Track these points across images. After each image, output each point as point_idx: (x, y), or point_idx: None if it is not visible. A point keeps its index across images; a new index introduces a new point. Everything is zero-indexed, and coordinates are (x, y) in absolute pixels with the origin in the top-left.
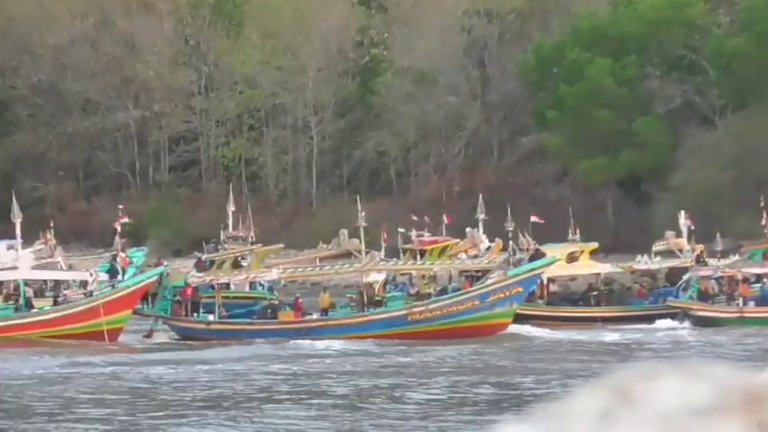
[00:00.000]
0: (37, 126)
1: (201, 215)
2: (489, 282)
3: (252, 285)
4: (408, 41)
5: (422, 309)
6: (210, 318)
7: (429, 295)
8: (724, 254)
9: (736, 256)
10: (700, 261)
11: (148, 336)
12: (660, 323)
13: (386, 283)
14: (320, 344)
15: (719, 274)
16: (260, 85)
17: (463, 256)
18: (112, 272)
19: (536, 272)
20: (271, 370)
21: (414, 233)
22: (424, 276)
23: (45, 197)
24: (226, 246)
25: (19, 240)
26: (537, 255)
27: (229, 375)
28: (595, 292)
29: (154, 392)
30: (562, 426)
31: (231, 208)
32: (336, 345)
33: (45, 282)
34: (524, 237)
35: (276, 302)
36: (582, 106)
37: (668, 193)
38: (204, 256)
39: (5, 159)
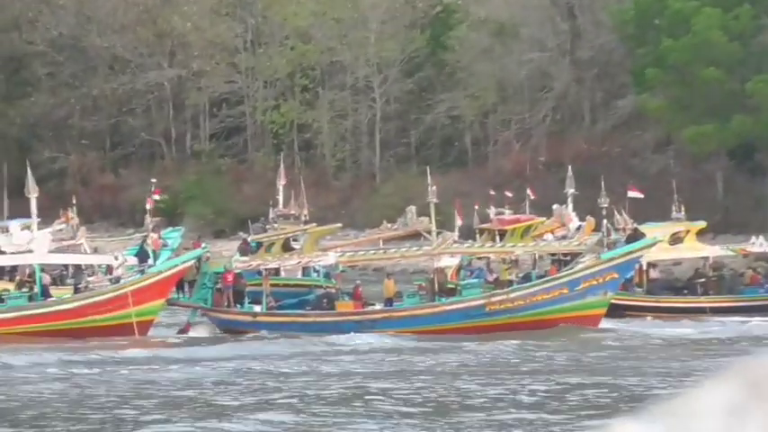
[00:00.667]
0: (57, 87)
1: (247, 190)
2: (580, 267)
3: (305, 271)
4: None
5: (501, 298)
6: (257, 309)
7: (510, 282)
8: None
9: None
10: None
11: (185, 330)
12: None
13: (460, 268)
14: (384, 338)
15: None
16: (315, 40)
17: (549, 236)
18: (143, 255)
19: (634, 255)
20: (327, 369)
21: (492, 210)
22: (504, 260)
23: (66, 169)
24: (275, 225)
25: (35, 219)
26: (635, 235)
27: (279, 375)
28: (702, 279)
29: (193, 394)
30: (687, 424)
31: (282, 182)
32: (403, 340)
33: (66, 267)
34: (620, 214)
35: (333, 291)
36: (687, 64)
37: None
38: (250, 238)
39: (21, 125)
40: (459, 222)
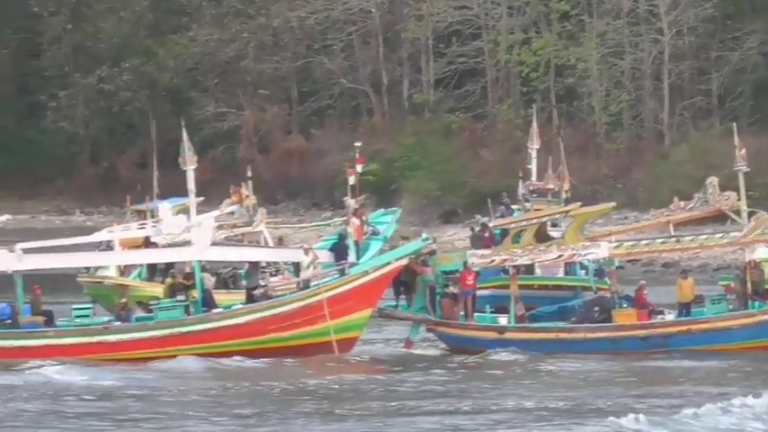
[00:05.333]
0: (222, 17)
1: (486, 157)
2: None
3: (568, 268)
4: None
5: None
6: (503, 320)
7: None
8: None
9: None
10: None
11: (405, 348)
12: None
13: None
14: (677, 360)
15: None
16: None
17: None
18: (341, 248)
19: None
20: (612, 407)
21: None
22: None
23: (238, 129)
24: (526, 205)
25: (193, 199)
26: None
27: (534, 415)
28: None
29: None
30: None
31: (534, 145)
32: (706, 361)
33: (238, 265)
34: None
35: (607, 295)
36: None
37: None
38: (492, 223)
39: (174, 70)
40: None
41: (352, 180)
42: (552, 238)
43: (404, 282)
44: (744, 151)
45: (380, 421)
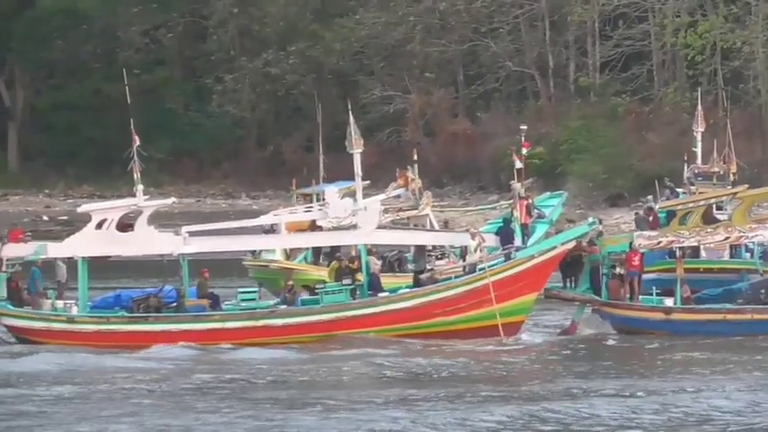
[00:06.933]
0: (389, 0)
1: (653, 140)
2: None
3: (734, 250)
4: None
5: None
6: (669, 302)
7: None
8: None
9: None
10: None
11: (569, 331)
12: None
13: None
14: None
15: None
16: None
17: None
18: (507, 232)
19: None
20: None
21: None
22: None
23: (404, 113)
24: (692, 188)
25: (360, 182)
26: None
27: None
28: None
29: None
30: None
31: (700, 128)
32: None
33: (405, 249)
34: None
35: None
36: None
37: None
38: (657, 206)
39: (341, 53)
40: None
41: (518, 164)
42: (718, 221)
43: (569, 264)
44: None
45: (558, 405)
